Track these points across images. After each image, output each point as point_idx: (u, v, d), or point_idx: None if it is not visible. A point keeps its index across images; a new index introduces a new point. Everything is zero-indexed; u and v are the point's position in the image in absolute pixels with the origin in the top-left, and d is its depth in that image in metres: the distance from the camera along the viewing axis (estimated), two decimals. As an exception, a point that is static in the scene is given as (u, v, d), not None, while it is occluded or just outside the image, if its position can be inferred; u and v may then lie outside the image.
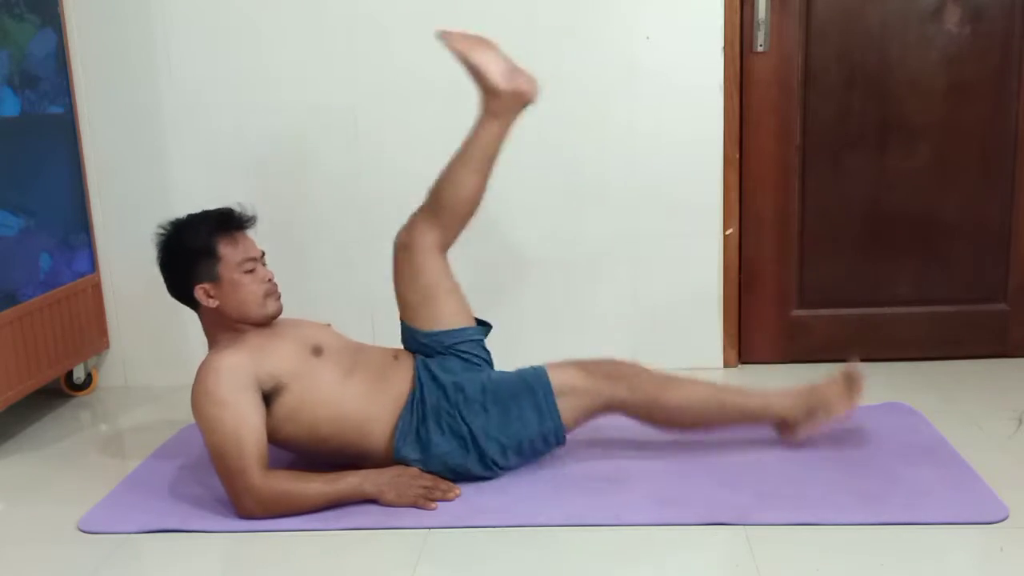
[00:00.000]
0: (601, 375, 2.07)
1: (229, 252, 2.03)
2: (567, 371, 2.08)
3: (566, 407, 2.05)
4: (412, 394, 2.06)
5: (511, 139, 2.71)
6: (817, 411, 2.12)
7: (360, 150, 2.76)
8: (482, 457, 2.02)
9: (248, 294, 2.03)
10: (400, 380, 2.09)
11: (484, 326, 2.24)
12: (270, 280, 2.08)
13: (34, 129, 2.54)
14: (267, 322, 2.07)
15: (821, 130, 2.73)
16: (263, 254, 2.11)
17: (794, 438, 2.14)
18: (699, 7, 2.64)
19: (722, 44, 2.65)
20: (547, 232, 2.77)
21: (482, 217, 2.73)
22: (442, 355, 2.13)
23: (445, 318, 2.16)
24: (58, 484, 2.22)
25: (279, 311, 2.09)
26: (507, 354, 2.26)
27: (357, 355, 2.13)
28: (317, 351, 2.06)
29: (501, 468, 2.06)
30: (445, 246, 2.19)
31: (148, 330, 2.87)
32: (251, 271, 2.04)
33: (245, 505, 1.92)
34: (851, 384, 2.14)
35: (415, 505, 1.94)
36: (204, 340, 2.10)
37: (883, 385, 2.59)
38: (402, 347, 2.22)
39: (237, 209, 2.08)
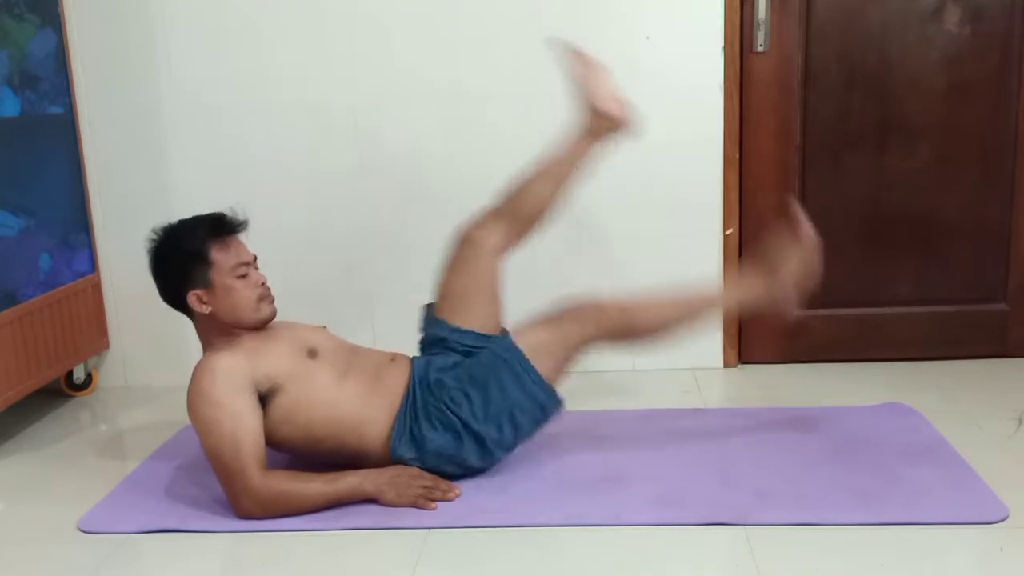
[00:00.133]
0: (566, 321, 2.08)
1: (221, 257, 2.02)
2: (533, 331, 2.08)
3: (543, 365, 2.04)
4: (406, 395, 2.06)
5: (511, 138, 2.72)
6: (786, 290, 2.13)
7: (360, 150, 2.76)
8: (478, 441, 2.01)
9: (241, 299, 2.03)
10: (396, 382, 2.09)
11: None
12: (263, 284, 2.07)
13: (34, 129, 2.54)
14: (261, 326, 2.06)
15: (821, 130, 2.73)
16: (255, 258, 2.10)
17: (784, 304, 2.15)
18: (699, 7, 2.64)
19: (722, 44, 2.65)
20: (546, 231, 2.77)
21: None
22: (443, 352, 2.13)
23: (478, 320, 2.14)
24: (58, 484, 2.22)
25: (273, 315, 2.09)
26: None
27: (352, 357, 2.13)
28: (312, 353, 2.06)
29: (502, 448, 2.05)
30: (505, 251, 2.19)
31: (148, 330, 2.87)
32: (244, 276, 2.04)
33: (244, 506, 1.92)
34: (804, 248, 2.13)
35: (415, 505, 1.94)
36: (203, 340, 2.10)
37: (883, 385, 2.59)
38: (400, 350, 2.21)
39: (228, 213, 2.07)
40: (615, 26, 2.66)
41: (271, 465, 1.98)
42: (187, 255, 2.01)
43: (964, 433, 2.22)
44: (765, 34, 2.67)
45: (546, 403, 2.07)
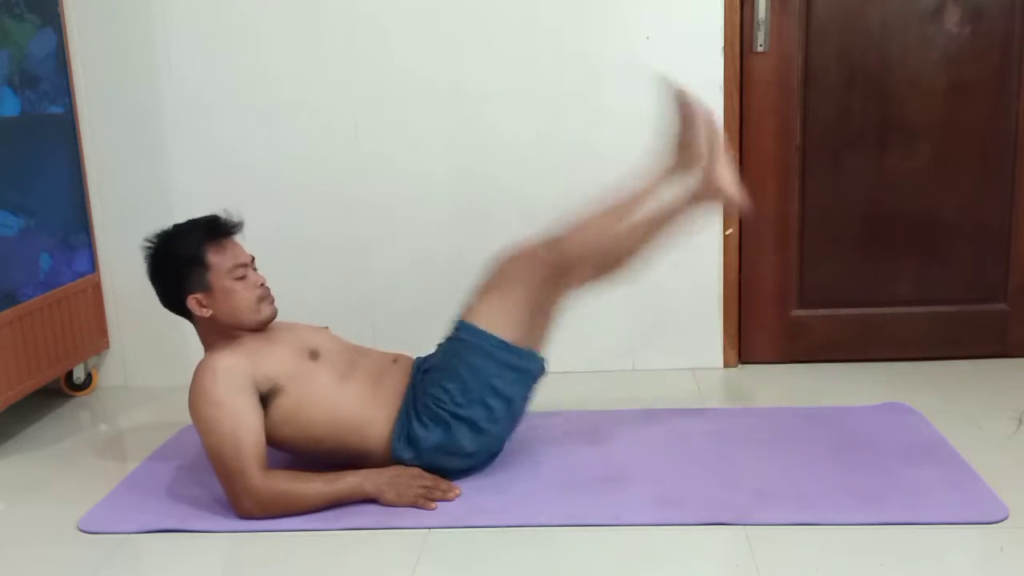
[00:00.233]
0: (509, 279, 2.03)
1: (218, 260, 2.02)
2: (481, 301, 2.05)
3: (509, 330, 2.01)
4: (406, 396, 2.06)
5: (511, 138, 2.72)
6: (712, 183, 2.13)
7: (360, 150, 2.76)
8: (469, 425, 2.00)
9: (241, 301, 2.03)
10: (397, 383, 2.09)
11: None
12: (262, 285, 2.07)
13: (34, 129, 2.54)
14: (262, 327, 2.06)
15: (821, 130, 2.73)
16: (253, 259, 2.10)
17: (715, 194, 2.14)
18: (699, 7, 2.64)
19: (722, 44, 2.65)
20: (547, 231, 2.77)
21: (481, 217, 2.74)
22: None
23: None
24: (58, 484, 2.22)
25: (274, 315, 2.09)
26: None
27: (355, 358, 2.13)
28: (314, 355, 2.06)
29: (496, 423, 2.02)
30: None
31: (148, 330, 2.87)
32: (242, 277, 2.03)
33: (244, 506, 1.92)
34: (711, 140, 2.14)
35: (415, 505, 1.94)
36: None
37: (883, 385, 2.59)
38: (402, 352, 2.21)
39: (223, 216, 2.07)
40: (615, 26, 2.66)
41: (272, 465, 1.99)
42: (184, 260, 2.01)
43: (964, 433, 2.22)
44: (765, 34, 2.66)
45: (523, 365, 2.04)
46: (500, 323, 2.02)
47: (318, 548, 1.83)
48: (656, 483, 2.02)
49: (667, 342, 2.78)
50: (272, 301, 2.08)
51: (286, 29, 2.71)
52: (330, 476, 1.97)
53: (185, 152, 2.79)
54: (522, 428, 2.25)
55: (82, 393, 2.85)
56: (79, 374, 2.82)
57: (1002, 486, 1.92)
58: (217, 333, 2.04)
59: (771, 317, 2.83)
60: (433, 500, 1.95)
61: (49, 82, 2.60)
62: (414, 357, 2.19)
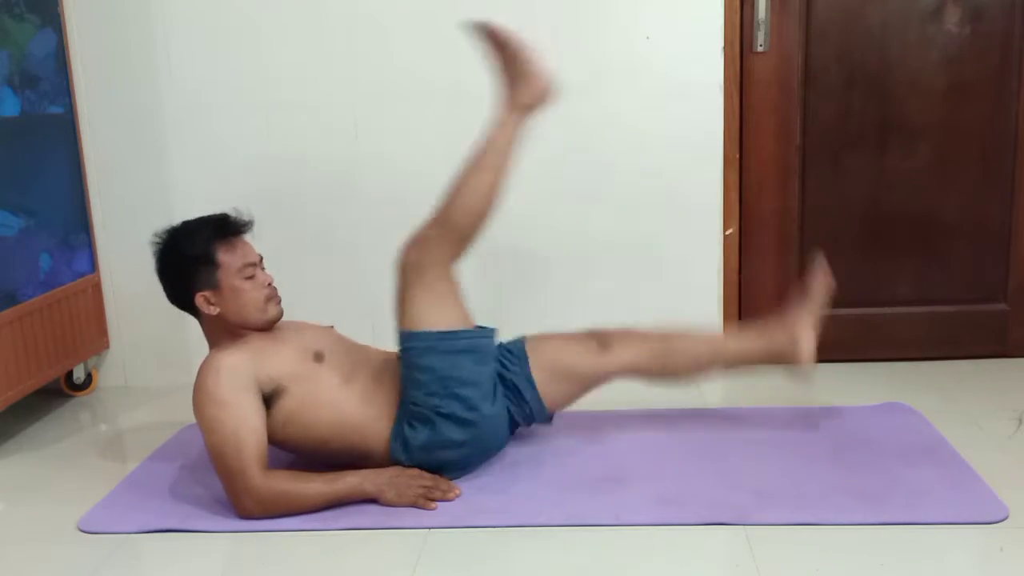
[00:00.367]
0: (420, 268, 2.05)
1: (228, 259, 2.03)
2: (407, 302, 2.05)
3: (444, 313, 2.03)
4: (401, 399, 2.06)
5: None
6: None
7: (360, 150, 2.76)
8: (451, 418, 1.99)
9: (249, 300, 2.03)
10: (398, 384, 2.08)
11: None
12: (270, 284, 2.07)
13: (34, 129, 2.54)
14: (269, 327, 2.07)
15: (821, 130, 2.73)
16: (261, 258, 2.10)
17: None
18: (699, 7, 2.64)
19: (722, 44, 2.65)
20: (547, 231, 2.77)
21: (482, 217, 2.73)
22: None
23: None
24: (58, 484, 2.22)
25: (280, 315, 2.09)
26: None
27: (358, 358, 2.13)
28: (318, 356, 2.06)
29: (477, 410, 2.01)
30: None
31: (148, 330, 2.87)
32: (251, 277, 2.04)
33: (244, 505, 1.92)
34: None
35: (415, 505, 1.94)
36: (204, 340, 2.10)
37: (883, 385, 2.59)
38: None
39: (233, 214, 2.07)
40: (615, 26, 2.66)
41: (274, 465, 1.99)
42: (194, 257, 2.01)
43: (964, 433, 2.22)
44: (765, 34, 2.67)
45: (471, 346, 2.02)
46: (432, 315, 2.02)
47: (318, 548, 1.83)
48: (656, 483, 2.02)
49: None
50: (279, 301, 2.09)
51: (286, 29, 2.71)
52: (330, 476, 1.97)
53: (185, 152, 2.79)
54: (522, 428, 2.25)
55: (82, 393, 2.85)
56: (79, 374, 2.82)
57: (1002, 486, 1.92)
58: (223, 331, 2.04)
59: (771, 317, 2.83)
60: (433, 500, 1.95)
61: (49, 82, 2.60)
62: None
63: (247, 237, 2.09)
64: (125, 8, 2.72)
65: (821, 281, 2.26)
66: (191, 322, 2.11)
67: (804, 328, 2.18)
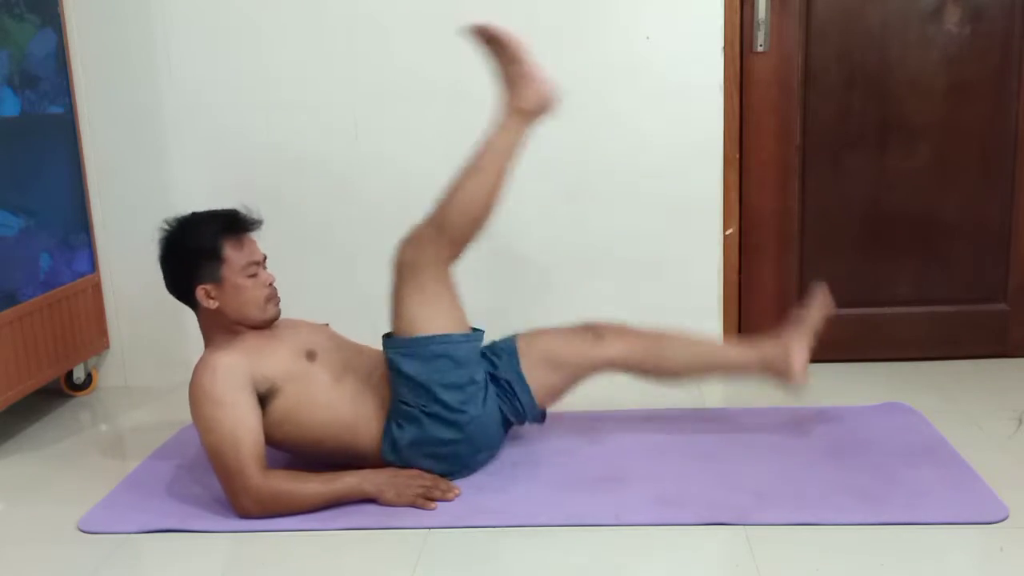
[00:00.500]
0: (414, 268, 2.04)
1: (234, 255, 2.03)
2: (399, 305, 2.05)
3: (434, 315, 2.02)
4: (391, 400, 2.06)
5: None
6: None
7: (360, 150, 2.76)
8: (437, 418, 1.99)
9: (250, 298, 2.03)
10: (389, 384, 2.08)
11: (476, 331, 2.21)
12: (271, 284, 2.08)
13: (34, 129, 2.54)
14: (266, 325, 2.07)
15: (821, 130, 2.72)
16: (265, 258, 2.10)
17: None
18: (699, 7, 2.64)
19: (722, 44, 2.65)
20: (547, 231, 2.77)
21: (482, 217, 2.73)
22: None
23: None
24: (58, 484, 2.22)
25: (278, 315, 2.09)
26: (507, 354, 2.26)
27: (351, 357, 2.13)
28: (311, 355, 2.06)
29: (460, 411, 2.00)
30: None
31: (148, 330, 2.87)
32: (254, 275, 2.04)
33: (243, 505, 1.92)
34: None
35: (414, 504, 1.94)
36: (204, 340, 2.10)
37: (883, 385, 2.59)
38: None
39: (243, 211, 2.07)
40: (615, 26, 2.66)
41: (271, 465, 1.99)
42: (200, 250, 2.02)
43: (964, 433, 2.22)
44: (765, 34, 2.67)
45: (453, 351, 2.01)
46: (421, 317, 2.02)
47: (317, 548, 1.83)
48: (656, 483, 2.02)
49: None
50: (278, 302, 2.09)
51: (286, 29, 2.71)
52: (329, 476, 1.97)
53: (185, 152, 2.79)
54: (522, 427, 2.25)
55: (82, 393, 2.85)
56: (79, 374, 2.82)
57: (1002, 486, 1.92)
58: (219, 326, 2.04)
59: (771, 317, 2.83)
60: (432, 500, 1.95)
61: (49, 82, 2.60)
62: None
63: (253, 236, 2.09)
64: (125, 8, 2.72)
65: (820, 303, 2.27)
66: (191, 323, 2.11)
67: (797, 345, 2.18)
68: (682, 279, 2.77)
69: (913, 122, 2.70)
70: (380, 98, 2.73)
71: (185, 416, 2.03)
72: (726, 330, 2.80)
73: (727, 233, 2.75)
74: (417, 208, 2.61)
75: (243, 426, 1.91)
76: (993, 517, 1.82)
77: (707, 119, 2.68)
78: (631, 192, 2.73)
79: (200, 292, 2.02)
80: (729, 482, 2.01)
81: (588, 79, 2.67)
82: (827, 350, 2.80)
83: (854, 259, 2.78)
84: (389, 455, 2.02)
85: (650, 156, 2.71)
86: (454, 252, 2.08)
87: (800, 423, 2.32)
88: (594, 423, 2.38)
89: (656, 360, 2.18)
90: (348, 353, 2.14)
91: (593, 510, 1.91)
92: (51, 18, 2.62)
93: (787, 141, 2.73)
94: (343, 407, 2.03)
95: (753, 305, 2.82)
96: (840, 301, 2.80)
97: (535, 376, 2.11)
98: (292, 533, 1.88)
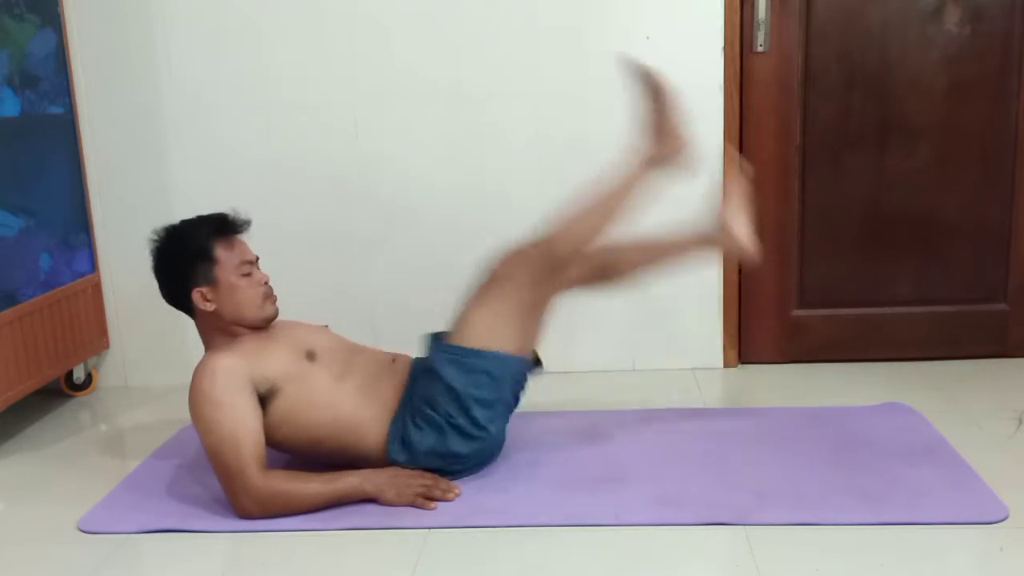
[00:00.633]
0: (494, 285, 2.03)
1: (226, 255, 2.03)
2: (471, 311, 2.05)
3: (492, 335, 2.01)
4: (403, 397, 2.06)
5: (511, 138, 2.72)
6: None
7: (360, 150, 2.76)
8: (460, 432, 2.00)
9: (245, 297, 2.04)
10: (394, 384, 2.08)
11: (538, 364, 2.19)
12: (266, 283, 2.08)
13: (34, 129, 2.54)
14: (264, 325, 2.07)
15: (821, 130, 2.73)
16: (257, 259, 2.11)
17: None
18: (699, 7, 2.64)
19: (722, 44, 2.65)
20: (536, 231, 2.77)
21: (483, 216, 2.74)
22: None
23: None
24: (58, 484, 2.22)
25: (275, 314, 2.09)
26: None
27: (352, 357, 2.13)
28: (311, 355, 2.06)
29: (484, 429, 2.02)
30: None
31: (148, 330, 2.87)
32: (248, 274, 2.05)
33: (243, 505, 1.92)
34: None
35: (414, 504, 1.94)
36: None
37: (883, 385, 2.59)
38: (402, 351, 2.21)
39: (231, 214, 2.08)
40: (615, 26, 2.66)
41: (272, 465, 1.99)
42: (192, 252, 2.02)
43: (964, 433, 2.22)
44: (765, 34, 2.67)
45: (504, 370, 2.03)
46: (485, 332, 2.02)
47: (318, 548, 1.83)
48: (656, 483, 2.02)
49: (667, 342, 2.78)
50: (275, 300, 2.10)
51: (286, 29, 2.71)
52: (329, 476, 1.97)
53: (185, 152, 2.79)
54: (522, 428, 2.25)
55: (82, 393, 2.85)
56: (79, 374, 2.82)
57: (1002, 486, 1.92)
58: (217, 329, 2.04)
59: (771, 317, 2.83)
60: (433, 499, 1.95)
61: (49, 82, 2.60)
62: (413, 358, 2.18)
63: (243, 238, 2.10)
64: (125, 8, 2.72)
65: (739, 169, 2.26)
66: (191, 323, 2.11)
67: (734, 215, 2.21)
68: (682, 279, 2.77)
69: (913, 122, 2.70)
70: (380, 98, 2.73)
71: (185, 416, 2.03)
72: (726, 330, 2.80)
73: (727, 233, 2.75)
74: (417, 208, 2.63)
75: (243, 427, 1.91)
76: (993, 517, 1.82)
77: (707, 119, 2.68)
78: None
79: (196, 295, 2.02)
80: (729, 482, 2.01)
81: (588, 79, 2.67)
82: (827, 350, 2.82)
83: (854, 259, 2.78)
84: (399, 455, 2.02)
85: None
86: (547, 277, 2.05)
87: (800, 423, 2.32)
88: (594, 423, 2.38)
89: (611, 270, 2.18)
90: (348, 353, 2.14)
91: (593, 510, 1.91)
92: (51, 18, 2.62)
93: (787, 141, 2.73)
94: (344, 407, 2.03)
95: (753, 305, 2.82)
96: (840, 301, 2.82)
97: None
98: (292, 533, 1.88)
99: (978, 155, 2.71)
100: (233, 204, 2.11)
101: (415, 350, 2.22)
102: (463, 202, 2.76)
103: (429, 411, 2.01)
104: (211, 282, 2.02)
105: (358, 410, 2.03)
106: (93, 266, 2.80)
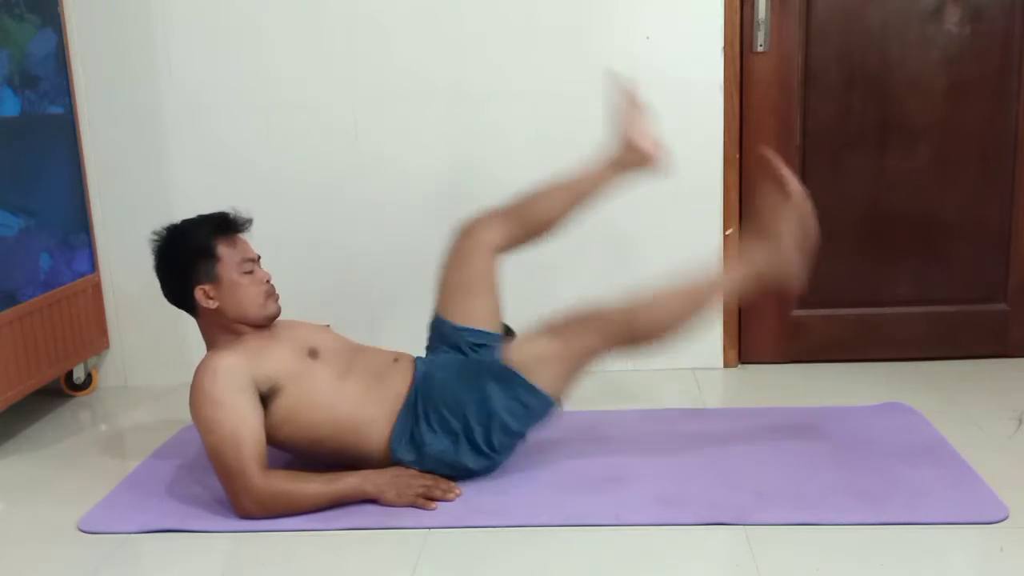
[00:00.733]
0: (569, 332, 2.04)
1: (228, 253, 2.04)
2: (534, 341, 2.07)
3: (542, 376, 2.02)
4: (408, 396, 2.06)
5: (511, 138, 2.72)
6: (787, 254, 2.05)
7: (360, 150, 2.76)
8: (474, 446, 2.01)
9: (247, 295, 2.04)
10: (398, 382, 2.08)
11: (509, 334, 2.23)
12: (268, 281, 2.08)
13: (34, 129, 2.54)
14: (267, 323, 2.07)
15: (821, 130, 2.73)
16: (259, 257, 2.11)
17: (789, 271, 2.07)
18: (699, 7, 2.64)
19: (722, 44, 2.65)
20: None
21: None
22: (456, 351, 2.13)
23: (479, 316, 2.16)
24: (58, 484, 2.22)
25: (278, 312, 2.09)
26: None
27: (354, 356, 2.13)
28: (313, 353, 2.06)
29: (498, 453, 2.04)
30: (503, 250, 2.21)
31: (148, 330, 2.87)
32: (250, 272, 2.05)
33: (244, 505, 1.92)
34: (799, 214, 2.06)
35: (415, 505, 1.94)
36: (204, 340, 2.10)
37: (883, 385, 2.59)
38: (404, 350, 2.21)
39: (232, 213, 2.08)
40: (615, 26, 2.66)
41: (273, 465, 1.99)
42: (194, 250, 2.03)
43: (964, 433, 2.22)
44: (765, 34, 2.67)
45: (539, 409, 2.05)
46: (542, 368, 2.03)
47: (318, 548, 1.83)
48: (656, 483, 2.02)
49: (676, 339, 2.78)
50: (277, 298, 2.10)
51: (286, 29, 2.71)
52: (330, 476, 1.97)
53: (185, 152, 2.79)
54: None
55: (82, 393, 2.85)
56: (79, 374, 2.82)
57: (1002, 486, 1.92)
58: (219, 327, 2.04)
59: (771, 317, 2.83)
60: (433, 500, 1.95)
61: (49, 82, 2.60)
62: (415, 356, 2.18)
63: (245, 236, 2.10)
64: (125, 8, 2.72)
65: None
66: (191, 323, 2.11)
67: (632, 128, 2.21)
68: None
69: (913, 122, 2.70)
70: (380, 98, 2.73)
71: (185, 416, 2.03)
72: (726, 330, 2.80)
73: (727, 233, 2.75)
74: (417, 208, 2.63)
75: (244, 426, 1.91)
76: (993, 517, 1.82)
77: (707, 119, 2.69)
78: (631, 192, 2.73)
79: (199, 293, 2.02)
80: (729, 482, 2.01)
81: (588, 79, 2.66)
82: (827, 350, 2.81)
83: (854, 259, 2.78)
84: (405, 453, 2.02)
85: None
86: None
87: (800, 423, 2.32)
88: (594, 423, 2.38)
89: (539, 223, 2.23)
90: (351, 352, 2.14)
91: (593, 510, 1.91)
92: (51, 18, 2.62)
93: (787, 141, 2.73)
94: (347, 406, 2.03)
95: (753, 305, 2.82)
96: (840, 301, 2.82)
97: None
98: (292, 533, 1.88)
99: (978, 155, 2.71)
100: (233, 204, 2.11)
101: (415, 350, 2.22)
102: (463, 202, 2.75)
103: (448, 416, 2.01)
104: (213, 280, 2.02)
105: (361, 408, 2.03)
106: (93, 266, 2.80)
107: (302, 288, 2.58)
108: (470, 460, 2.03)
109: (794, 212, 2.06)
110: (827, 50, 2.68)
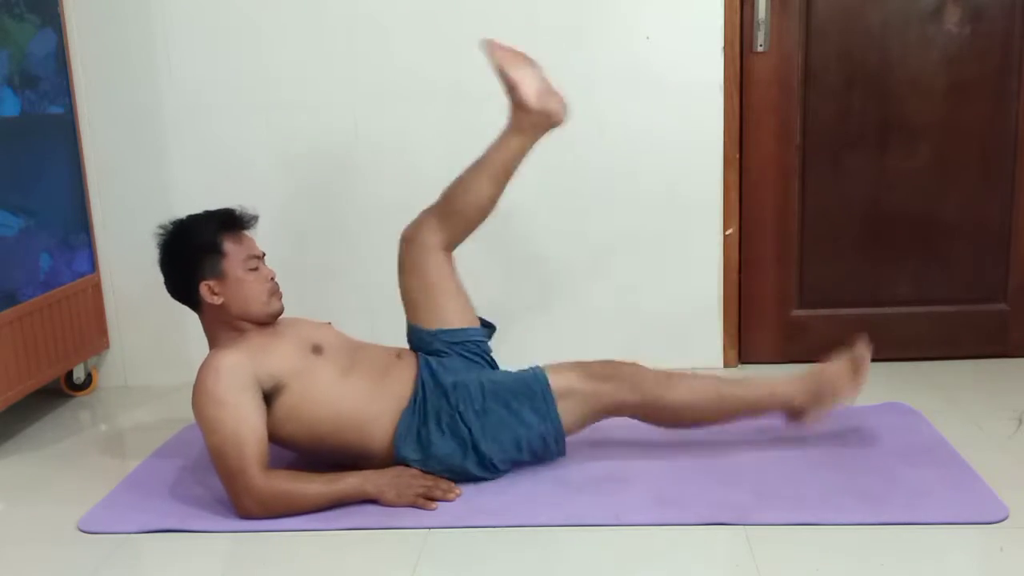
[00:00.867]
0: (601, 377, 2.06)
1: (234, 249, 2.04)
2: (567, 374, 2.06)
3: (566, 410, 2.03)
4: (414, 394, 2.06)
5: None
6: (824, 394, 2.10)
7: (360, 150, 2.76)
8: (480, 459, 2.02)
9: (252, 291, 2.04)
10: (402, 380, 2.09)
11: (488, 327, 2.25)
12: (272, 279, 2.09)
13: (34, 129, 2.54)
14: (270, 320, 2.07)
15: (821, 130, 2.73)
16: (264, 255, 2.11)
17: (803, 425, 2.12)
18: (699, 7, 2.64)
19: (722, 44, 2.65)
20: (547, 231, 2.77)
21: (482, 217, 2.73)
22: (446, 354, 2.14)
23: (448, 316, 2.17)
24: (58, 484, 2.22)
25: (281, 310, 2.10)
26: (508, 353, 2.27)
27: (357, 354, 2.13)
28: (317, 350, 2.06)
29: (500, 471, 2.06)
30: (450, 246, 2.21)
31: (148, 330, 2.87)
32: (255, 269, 2.06)
33: (245, 505, 1.92)
34: (856, 365, 2.12)
35: (415, 505, 1.94)
36: (204, 340, 2.10)
37: (883, 385, 2.58)
38: (406, 347, 2.22)
39: (239, 209, 2.09)
40: (615, 26, 2.66)
41: (276, 464, 1.99)
42: (200, 246, 2.03)
43: (964, 433, 2.22)
44: (765, 34, 2.67)
45: (552, 445, 2.06)
46: (570, 405, 2.04)
47: (318, 548, 1.83)
48: (656, 483, 2.02)
49: (667, 342, 2.78)
50: (281, 296, 2.11)
51: (286, 29, 2.71)
52: (331, 476, 1.97)
53: (185, 152, 2.79)
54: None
55: (82, 393, 2.85)
56: (79, 374, 2.82)
57: (1002, 486, 1.92)
58: (223, 324, 2.05)
59: (771, 317, 2.83)
60: (433, 500, 1.95)
61: (49, 82, 2.60)
62: (419, 353, 2.18)
63: (250, 233, 2.11)
64: (125, 8, 2.72)
65: (504, 55, 2.17)
66: (191, 322, 2.11)
67: (521, 87, 2.16)
68: (682, 279, 2.77)
69: (913, 122, 2.70)
70: (380, 98, 2.73)
71: (185, 416, 2.03)
72: (726, 330, 2.80)
73: (727, 233, 2.75)
74: (417, 208, 2.61)
75: (246, 426, 1.91)
76: (993, 517, 1.82)
77: (707, 119, 2.69)
78: (631, 192, 2.73)
79: (204, 288, 2.02)
80: (729, 482, 2.01)
81: (588, 79, 2.66)
82: (827, 350, 2.81)
83: (854, 259, 2.78)
84: (411, 452, 2.02)
85: (650, 156, 2.71)
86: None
87: (800, 423, 2.32)
88: (594, 423, 2.37)
89: (469, 209, 2.21)
90: (353, 349, 2.14)
91: (593, 510, 1.91)
92: (51, 18, 2.62)
93: (787, 141, 2.73)
94: (351, 403, 2.03)
95: (753, 305, 2.82)
96: (840, 301, 2.82)
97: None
98: (293, 533, 1.88)
99: (978, 155, 2.71)
100: (233, 204, 2.11)
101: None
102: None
103: (459, 418, 2.01)
104: (219, 275, 2.02)
105: (364, 406, 2.03)
106: (93, 266, 2.80)
107: (303, 288, 2.58)
108: (475, 469, 2.03)
109: (850, 366, 2.13)
110: (827, 50, 2.68)
